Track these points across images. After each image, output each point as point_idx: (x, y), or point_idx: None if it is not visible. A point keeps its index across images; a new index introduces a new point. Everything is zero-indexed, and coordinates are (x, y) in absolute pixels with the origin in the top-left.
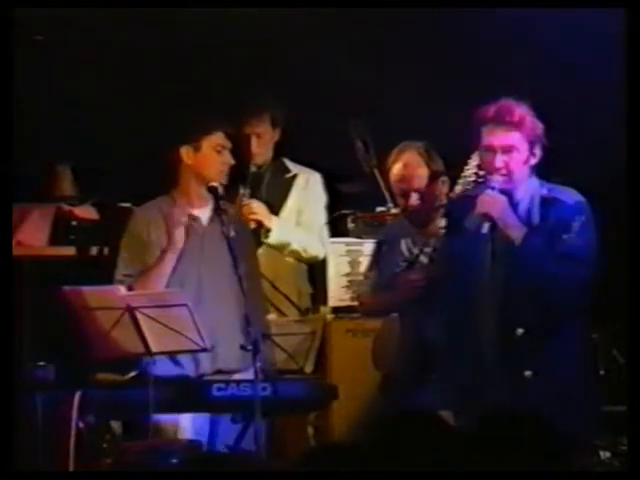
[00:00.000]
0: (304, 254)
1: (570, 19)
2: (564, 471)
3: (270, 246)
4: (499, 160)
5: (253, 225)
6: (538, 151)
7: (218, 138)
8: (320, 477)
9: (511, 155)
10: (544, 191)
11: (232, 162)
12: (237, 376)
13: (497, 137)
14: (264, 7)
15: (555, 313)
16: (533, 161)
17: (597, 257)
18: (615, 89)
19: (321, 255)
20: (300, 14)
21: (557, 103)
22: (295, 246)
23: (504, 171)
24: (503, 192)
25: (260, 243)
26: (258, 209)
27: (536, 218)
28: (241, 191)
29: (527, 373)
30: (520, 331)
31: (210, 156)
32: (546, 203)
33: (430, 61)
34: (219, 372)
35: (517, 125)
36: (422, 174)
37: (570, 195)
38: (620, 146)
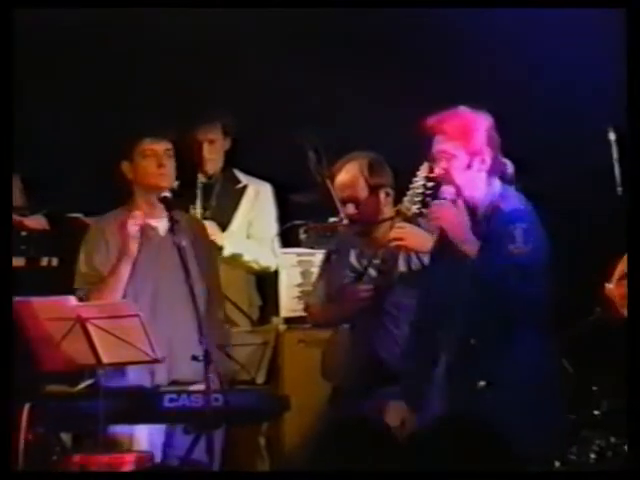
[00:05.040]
0: (256, 266)
1: (570, 19)
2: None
3: (224, 261)
4: (438, 168)
5: None
6: (487, 158)
7: (146, 144)
8: (317, 477)
9: (450, 162)
10: (496, 199)
11: (171, 163)
12: (194, 387)
13: (436, 145)
14: (219, 7)
15: (511, 324)
16: (482, 167)
17: (548, 265)
18: (615, 90)
19: (273, 266)
20: (252, 21)
21: (557, 103)
22: (248, 258)
23: (446, 178)
24: (454, 202)
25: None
26: (210, 229)
27: (484, 228)
28: (192, 210)
29: (481, 383)
30: (473, 341)
31: (144, 163)
32: (492, 211)
33: (384, 69)
34: (175, 383)
35: (453, 132)
36: (360, 185)
37: (511, 202)
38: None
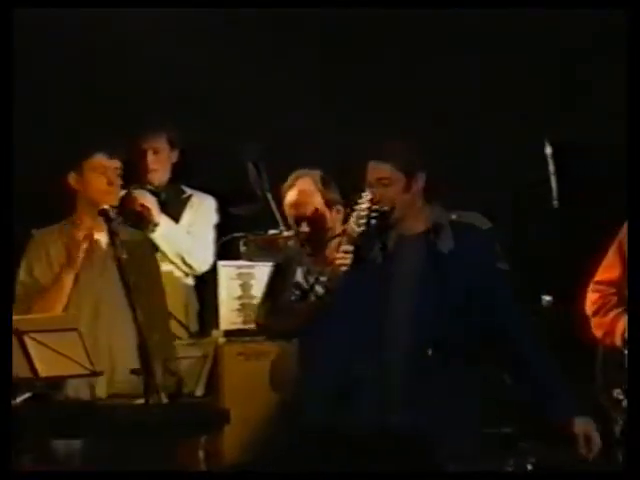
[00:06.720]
0: (187, 259)
1: (570, 19)
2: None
3: (155, 243)
4: (379, 194)
5: (139, 210)
6: (421, 181)
7: (98, 160)
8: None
9: (388, 188)
10: (453, 216)
11: (119, 182)
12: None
13: (372, 171)
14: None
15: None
16: (416, 188)
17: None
18: (615, 89)
19: (204, 267)
20: (199, 31)
21: (556, 103)
22: (180, 249)
23: (386, 203)
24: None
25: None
26: (148, 198)
27: (447, 244)
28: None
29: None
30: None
31: (93, 179)
32: (455, 227)
33: (330, 84)
34: (115, 396)
35: (387, 157)
36: (315, 202)
37: (474, 219)
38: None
